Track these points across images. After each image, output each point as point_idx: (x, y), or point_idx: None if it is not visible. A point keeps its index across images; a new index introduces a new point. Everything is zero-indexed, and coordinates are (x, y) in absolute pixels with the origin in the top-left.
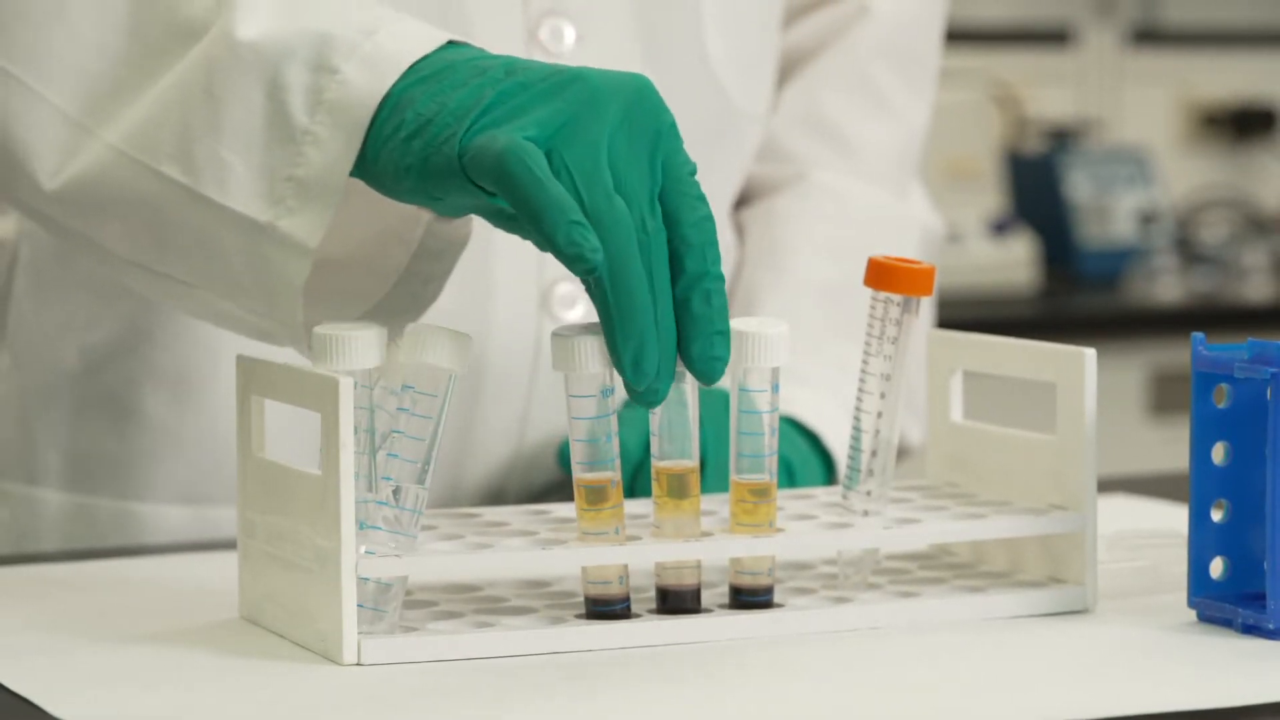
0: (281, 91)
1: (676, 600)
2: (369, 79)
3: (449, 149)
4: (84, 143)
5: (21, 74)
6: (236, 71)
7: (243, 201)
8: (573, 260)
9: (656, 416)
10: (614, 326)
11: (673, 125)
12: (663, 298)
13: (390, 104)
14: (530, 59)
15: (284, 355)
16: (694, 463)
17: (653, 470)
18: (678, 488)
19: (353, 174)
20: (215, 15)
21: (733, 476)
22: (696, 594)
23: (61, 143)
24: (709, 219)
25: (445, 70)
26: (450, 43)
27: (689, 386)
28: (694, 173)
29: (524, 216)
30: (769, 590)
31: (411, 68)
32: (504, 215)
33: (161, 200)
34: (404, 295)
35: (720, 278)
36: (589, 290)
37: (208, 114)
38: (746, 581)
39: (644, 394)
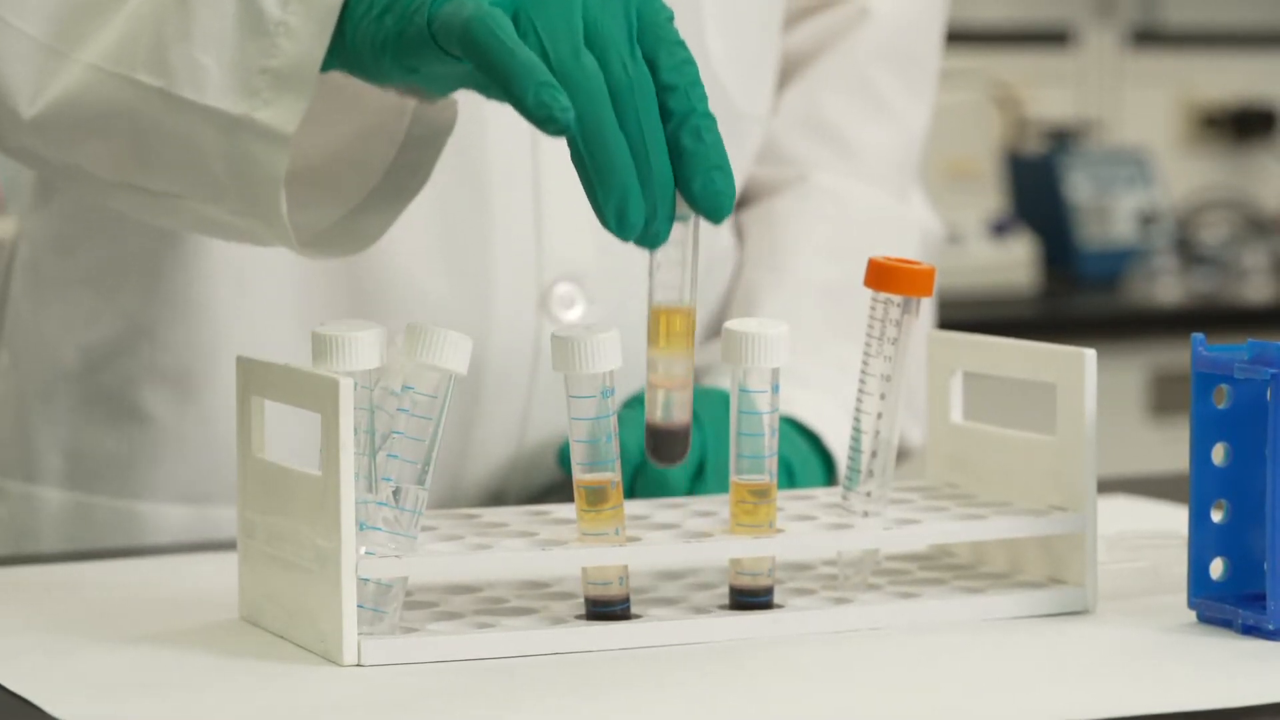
0: None
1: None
2: None
3: (419, 19)
4: (60, 66)
5: None
6: None
7: (218, 97)
8: (543, 122)
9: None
10: (592, 182)
11: None
12: (653, 140)
13: None
14: None
15: (284, 357)
16: (692, 305)
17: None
18: (671, 334)
19: (333, 63)
20: None
21: (733, 477)
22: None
23: (37, 69)
24: (689, 61)
25: None
26: None
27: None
28: (671, 19)
29: (494, 82)
30: (769, 591)
31: None
32: (479, 85)
33: (140, 109)
34: (391, 187)
35: (709, 115)
36: (571, 151)
37: (180, 21)
38: (746, 582)
39: (642, 239)
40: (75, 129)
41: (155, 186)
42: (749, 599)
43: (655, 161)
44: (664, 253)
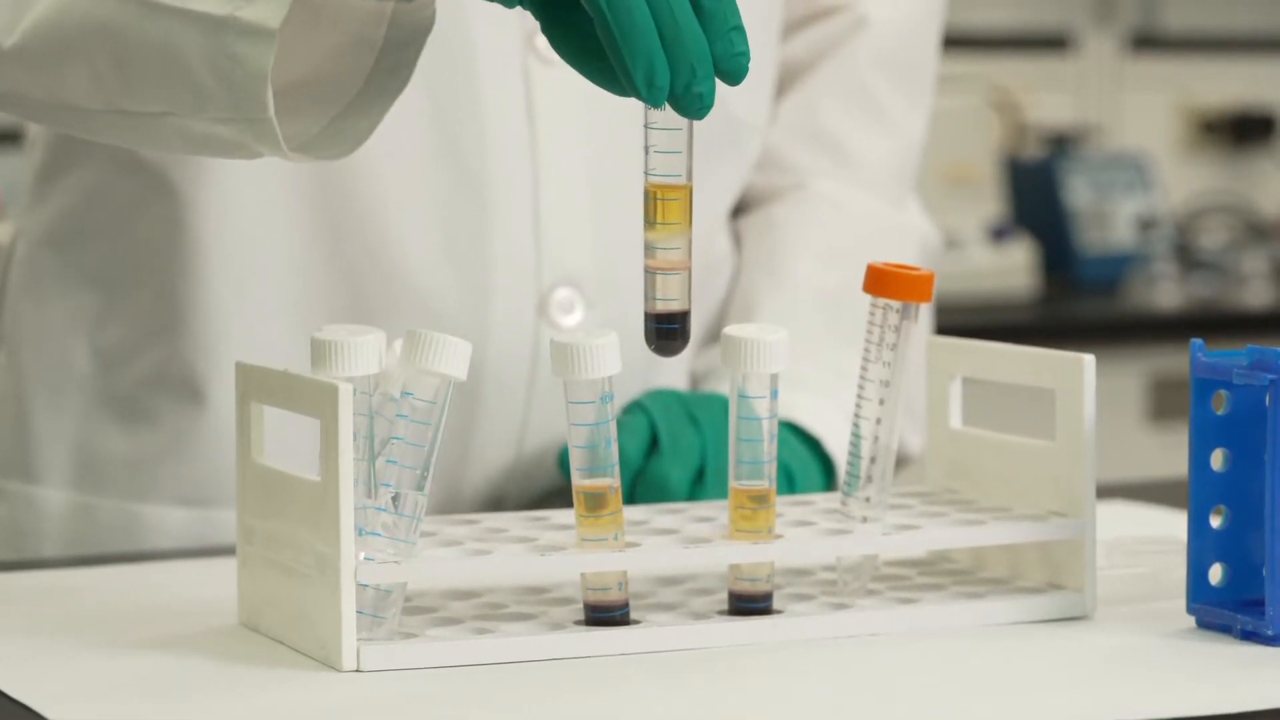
0: None
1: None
2: None
3: None
4: None
5: None
6: None
7: (200, 0)
8: None
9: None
10: (619, 49)
11: None
12: (679, 2)
13: None
14: None
15: (287, 361)
16: (688, 183)
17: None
18: (666, 210)
19: None
20: None
21: (731, 483)
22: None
23: None
24: None
25: None
26: None
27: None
28: None
29: None
30: (768, 597)
31: None
32: None
33: (120, 22)
34: (373, 90)
35: None
36: (593, 16)
37: None
38: (745, 588)
39: (683, 104)
40: (56, 54)
41: (140, 106)
42: (748, 604)
43: (682, 21)
44: (657, 133)
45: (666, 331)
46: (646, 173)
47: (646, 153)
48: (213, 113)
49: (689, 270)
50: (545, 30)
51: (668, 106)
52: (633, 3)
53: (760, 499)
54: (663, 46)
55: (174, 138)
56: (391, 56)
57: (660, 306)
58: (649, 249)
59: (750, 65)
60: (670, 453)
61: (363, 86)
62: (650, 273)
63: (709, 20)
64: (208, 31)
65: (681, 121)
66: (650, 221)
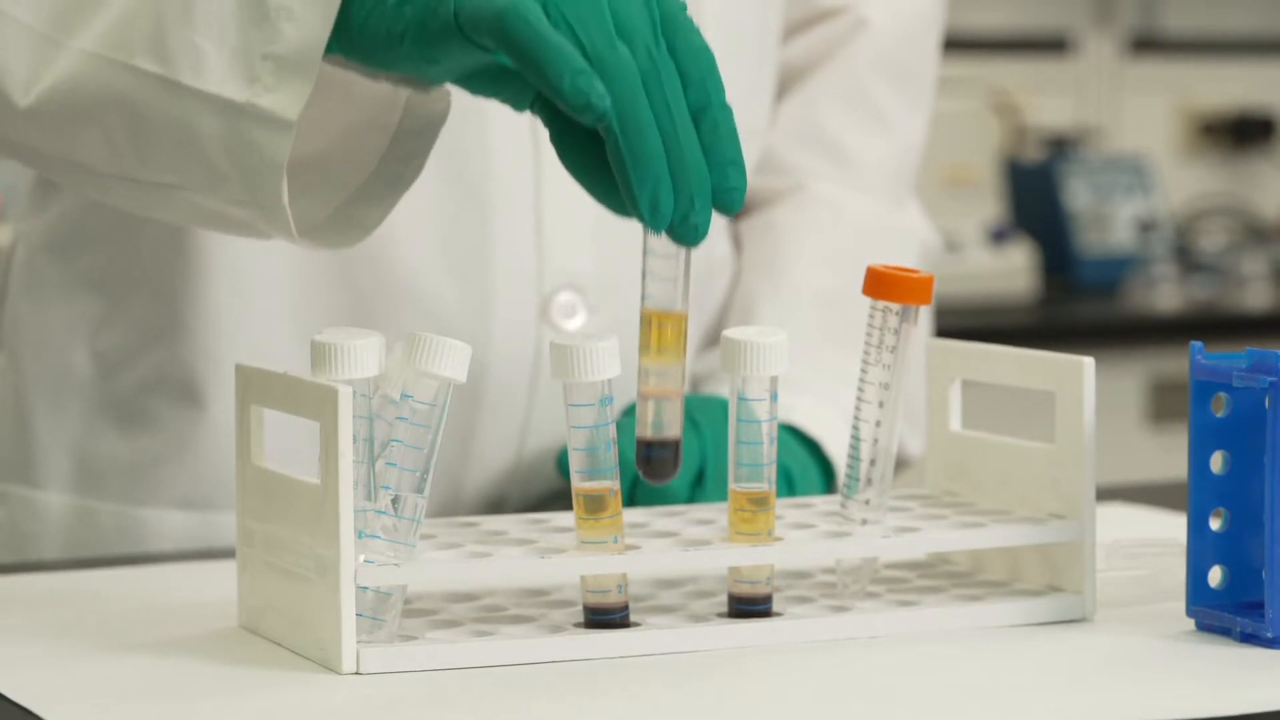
0: None
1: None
2: None
3: (444, 10)
4: (55, 54)
5: None
6: None
7: (219, 83)
8: (580, 110)
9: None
10: (628, 172)
11: None
12: (684, 129)
13: None
14: None
15: (288, 365)
16: (684, 311)
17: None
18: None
19: (334, 49)
20: None
21: (731, 485)
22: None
23: (33, 57)
24: (705, 49)
25: None
26: None
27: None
28: (684, 8)
29: (528, 71)
30: (768, 599)
31: None
32: (499, 74)
33: (138, 96)
34: (385, 177)
35: (726, 107)
36: (605, 140)
37: (178, 5)
38: (745, 590)
39: (679, 232)
40: (71, 118)
41: (152, 177)
42: (748, 607)
43: (688, 151)
44: (656, 260)
45: (658, 458)
46: (644, 298)
47: (644, 278)
48: (225, 194)
49: (681, 397)
50: (553, 140)
51: (664, 233)
52: (645, 128)
53: (760, 501)
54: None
55: (184, 211)
56: (405, 144)
57: (652, 433)
58: (643, 374)
59: (752, 71)
60: None
61: (374, 172)
62: (643, 398)
63: (708, 153)
64: (225, 116)
65: (678, 250)
66: (645, 347)
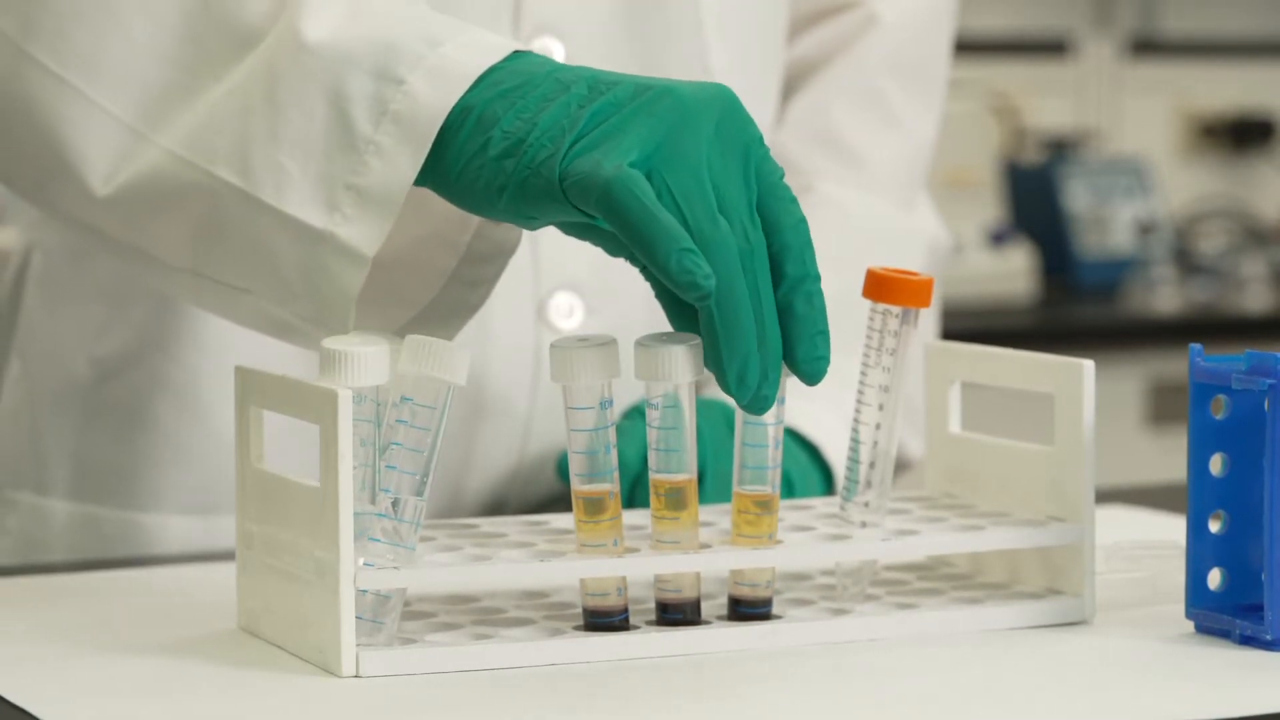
0: (344, 100)
1: (676, 613)
2: (436, 91)
3: (548, 172)
4: (138, 147)
5: (76, 81)
6: (298, 78)
7: (299, 207)
8: (686, 288)
9: (654, 431)
10: (720, 346)
11: (759, 134)
12: (768, 306)
13: (471, 118)
14: (609, 70)
15: (282, 366)
16: (692, 475)
17: (651, 482)
18: (676, 500)
19: (424, 184)
20: (273, 22)
21: (736, 488)
22: (696, 606)
23: (116, 149)
24: (803, 221)
25: (525, 85)
26: (516, 52)
27: (685, 398)
28: (783, 177)
29: (635, 245)
30: (768, 602)
31: (485, 79)
32: (596, 232)
33: (215, 202)
34: (450, 299)
35: (818, 278)
36: (699, 311)
37: (266, 120)
38: (746, 593)
39: (751, 404)
40: (147, 213)
41: (223, 278)
42: (749, 609)
43: (769, 328)
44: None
45: (673, 621)
46: (654, 468)
47: (655, 450)
48: (293, 310)
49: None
50: (659, 298)
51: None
52: (741, 307)
53: (764, 505)
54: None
55: (249, 314)
56: (472, 269)
57: (671, 595)
58: (656, 540)
59: (757, 70)
60: None
61: (439, 294)
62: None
63: (799, 325)
64: (303, 239)
65: (687, 415)
66: (659, 516)
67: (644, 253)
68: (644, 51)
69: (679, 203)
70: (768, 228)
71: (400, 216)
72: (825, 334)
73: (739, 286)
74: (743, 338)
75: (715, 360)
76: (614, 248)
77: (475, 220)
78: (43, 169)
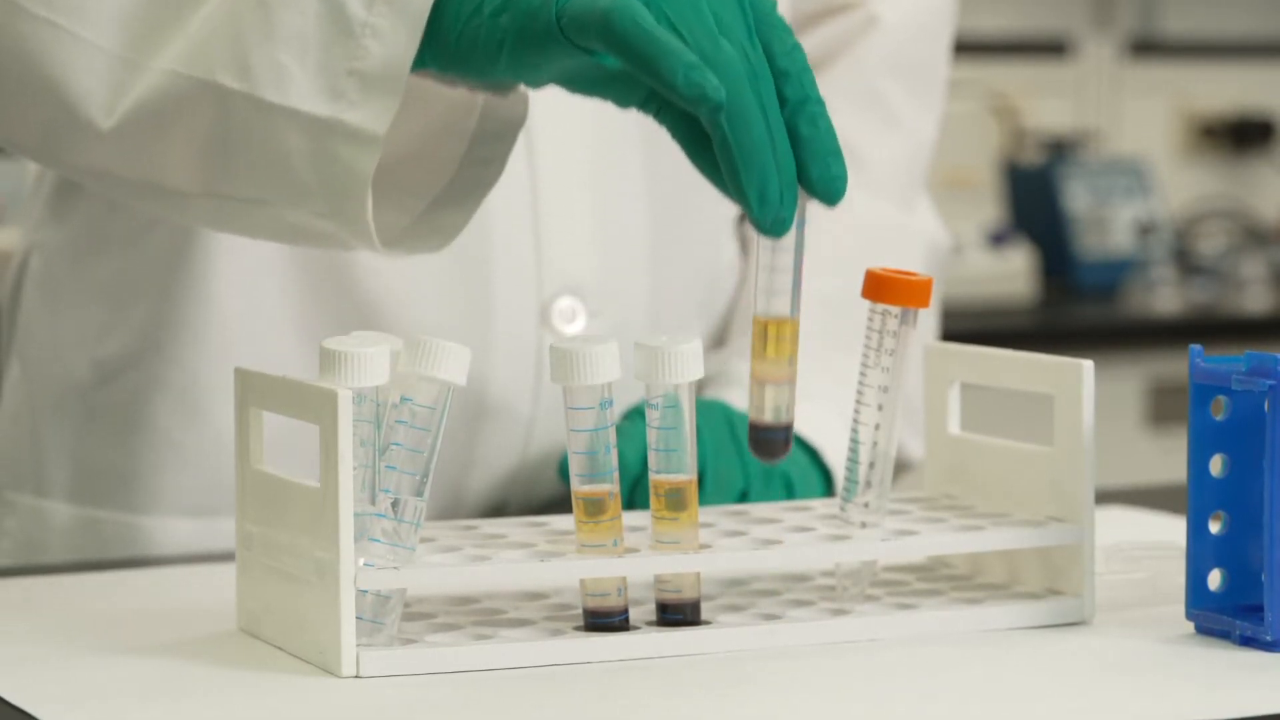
0: None
1: (676, 613)
2: None
3: (545, 15)
4: (135, 75)
5: (65, 22)
6: None
7: (303, 99)
8: (696, 102)
9: (654, 431)
10: (736, 164)
11: None
12: (777, 127)
13: None
14: None
15: (290, 372)
16: (692, 476)
17: (651, 483)
18: (676, 501)
19: (426, 62)
20: None
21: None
22: (696, 606)
23: (114, 81)
24: (798, 48)
25: None
26: None
27: (685, 399)
28: (775, 7)
29: (640, 69)
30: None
31: None
32: (603, 76)
33: (220, 112)
34: (465, 181)
35: (821, 101)
36: (710, 131)
37: (259, 22)
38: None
39: (772, 224)
40: (154, 137)
41: (236, 192)
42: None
43: (781, 146)
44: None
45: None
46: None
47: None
48: (310, 208)
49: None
50: (677, 138)
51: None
52: (754, 121)
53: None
54: None
55: (267, 225)
56: (483, 148)
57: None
58: (656, 541)
59: None
60: None
61: (454, 177)
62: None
63: (807, 147)
64: (311, 131)
65: (687, 415)
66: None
67: (651, 76)
68: None
69: (678, 28)
70: (764, 55)
71: (404, 113)
72: (838, 154)
73: (748, 99)
74: (757, 150)
75: (733, 180)
76: (623, 95)
77: (479, 101)
78: (47, 118)
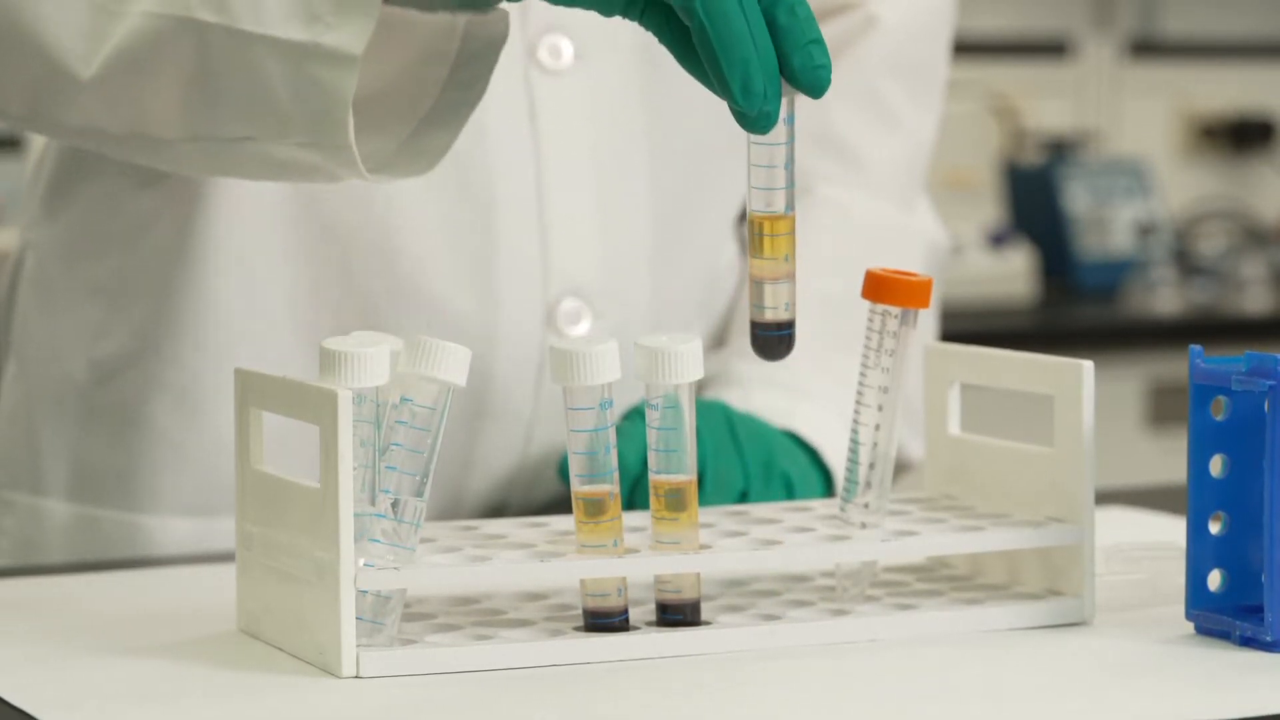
0: None
1: (676, 614)
2: None
3: None
4: (111, 21)
5: None
6: None
7: (280, 26)
8: None
9: (654, 431)
10: (716, 55)
11: None
12: (755, 18)
13: None
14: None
15: (290, 372)
16: (691, 476)
17: (651, 483)
18: (676, 501)
19: None
20: None
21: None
22: (696, 607)
23: (91, 28)
24: None
25: None
26: None
27: (685, 399)
28: None
29: None
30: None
31: None
32: None
33: (199, 48)
34: (449, 104)
35: None
36: (690, 25)
37: None
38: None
39: (757, 118)
40: (135, 82)
41: (221, 132)
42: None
43: (760, 38)
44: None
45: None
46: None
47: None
48: (294, 138)
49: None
50: (665, 42)
51: (743, 127)
52: (731, 12)
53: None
54: None
55: (254, 163)
56: (465, 70)
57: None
58: (656, 541)
59: None
60: None
61: (437, 100)
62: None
63: (787, 36)
64: (289, 57)
65: (686, 416)
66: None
67: None
68: (648, 53)
69: None
70: None
71: (386, 44)
72: (820, 42)
73: None
74: (737, 42)
75: (716, 75)
76: (607, 3)
77: (461, 23)
78: (30, 78)
